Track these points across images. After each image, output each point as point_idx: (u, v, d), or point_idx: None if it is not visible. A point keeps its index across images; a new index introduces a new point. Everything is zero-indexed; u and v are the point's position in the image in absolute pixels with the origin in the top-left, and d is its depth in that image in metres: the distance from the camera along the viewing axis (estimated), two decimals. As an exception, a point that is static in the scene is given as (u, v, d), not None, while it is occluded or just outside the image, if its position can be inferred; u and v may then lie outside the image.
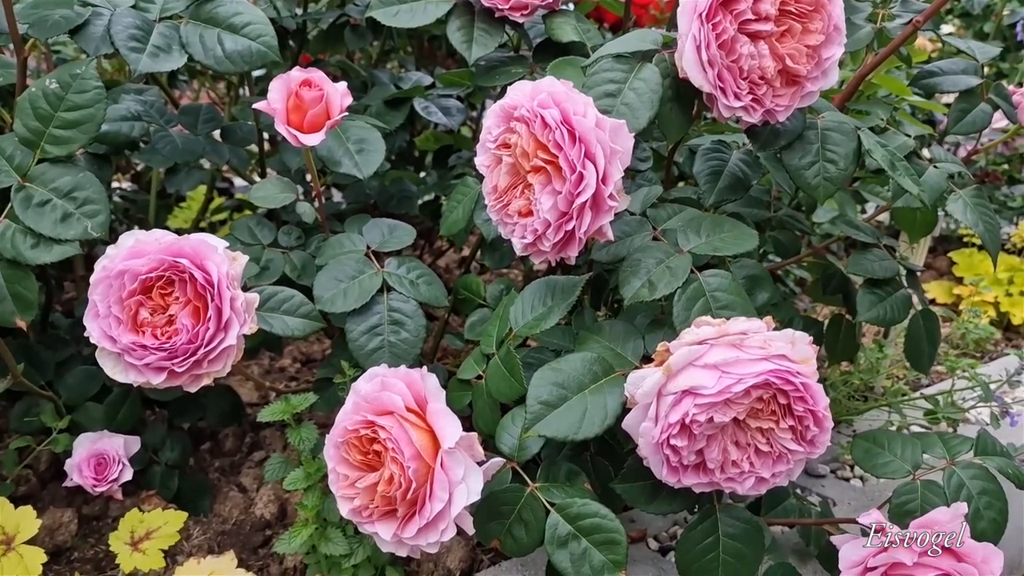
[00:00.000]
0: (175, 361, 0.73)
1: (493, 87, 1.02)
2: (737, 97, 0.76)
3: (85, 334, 0.77)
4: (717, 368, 0.67)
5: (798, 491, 1.21)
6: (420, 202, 1.86)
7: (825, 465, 1.32)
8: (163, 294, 0.74)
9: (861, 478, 1.30)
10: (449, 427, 0.71)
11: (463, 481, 0.70)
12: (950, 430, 1.28)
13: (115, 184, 2.01)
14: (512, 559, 1.07)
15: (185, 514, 0.97)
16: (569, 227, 0.72)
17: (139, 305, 0.74)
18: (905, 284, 1.04)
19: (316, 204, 0.99)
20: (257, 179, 1.38)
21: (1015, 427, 1.12)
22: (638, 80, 0.77)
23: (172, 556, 1.11)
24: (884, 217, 1.99)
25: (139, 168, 2.01)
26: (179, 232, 0.82)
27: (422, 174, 1.71)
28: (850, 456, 1.32)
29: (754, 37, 0.75)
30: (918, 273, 1.08)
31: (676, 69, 0.78)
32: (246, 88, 1.58)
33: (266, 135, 1.42)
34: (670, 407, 0.68)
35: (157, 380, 0.73)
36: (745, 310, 0.76)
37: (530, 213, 0.75)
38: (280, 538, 0.92)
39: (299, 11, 1.34)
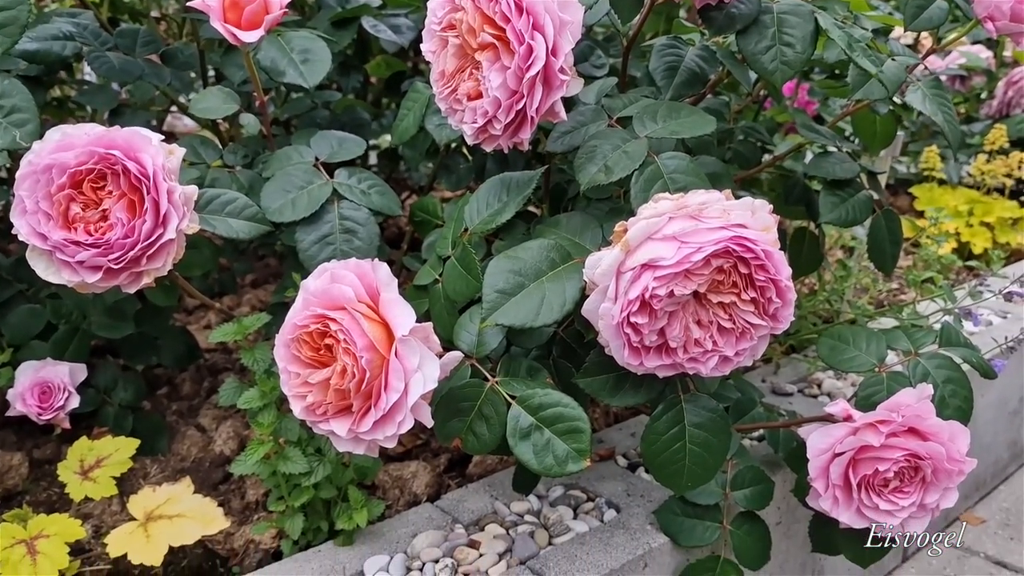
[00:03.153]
0: (111, 257, 0.69)
1: None
2: (689, -29, 0.73)
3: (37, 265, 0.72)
4: (676, 239, 0.65)
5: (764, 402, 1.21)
6: (378, 152, 1.82)
7: (792, 384, 1.32)
8: (95, 188, 0.70)
9: (829, 395, 1.30)
10: (402, 315, 0.68)
11: (419, 370, 0.68)
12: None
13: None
14: (479, 480, 1.05)
15: (137, 441, 0.94)
16: (520, 105, 0.70)
17: (69, 200, 0.70)
18: (866, 185, 1.03)
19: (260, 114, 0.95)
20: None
21: (978, 326, 1.11)
22: (587, -43, 0.75)
23: (128, 495, 1.07)
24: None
25: (88, 117, 1.95)
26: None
27: (381, 120, 1.67)
28: (817, 375, 1.33)
29: (705, -93, 0.73)
30: (879, 175, 1.07)
31: (627, -54, 0.76)
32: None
33: (211, 70, 1.37)
34: (629, 283, 0.66)
35: (92, 279, 0.70)
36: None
37: (479, 95, 0.72)
38: (237, 459, 0.89)
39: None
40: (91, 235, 0.69)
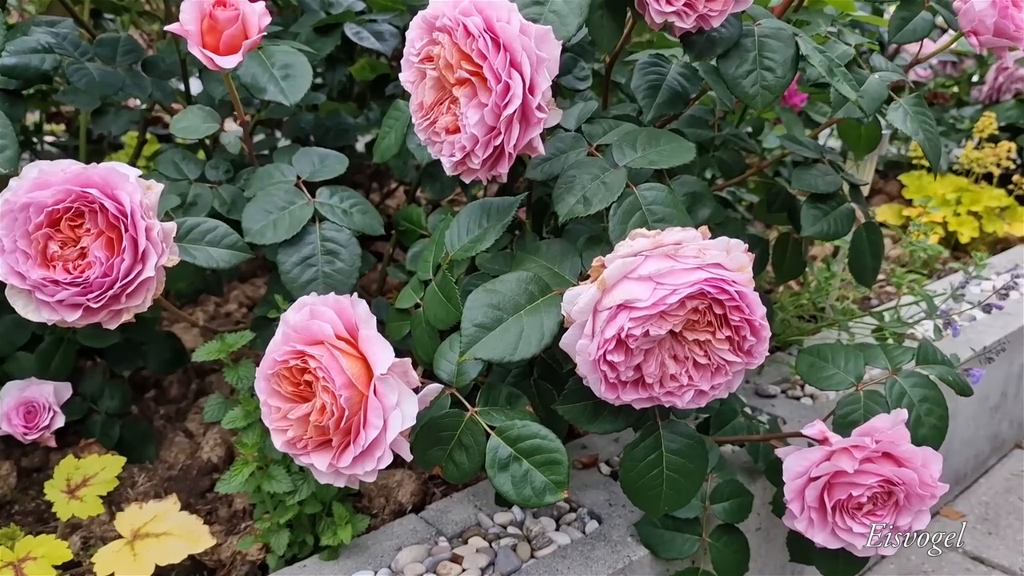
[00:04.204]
0: (90, 296, 0.69)
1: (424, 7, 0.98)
2: (669, 2, 0.73)
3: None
4: (651, 279, 0.65)
5: (748, 410, 1.22)
6: (366, 141, 1.82)
7: (775, 386, 1.33)
8: (73, 226, 0.70)
9: (812, 396, 1.31)
10: (381, 353, 0.69)
11: (397, 407, 0.68)
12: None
13: (49, 136, 1.94)
14: (463, 489, 1.07)
15: (123, 459, 0.95)
16: (498, 142, 0.70)
17: (48, 239, 0.70)
18: (849, 198, 1.03)
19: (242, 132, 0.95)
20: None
21: (957, 337, 1.13)
22: (566, -14, 0.74)
23: (116, 504, 1.08)
24: (837, 144, 1.98)
25: (71, 114, 1.94)
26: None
27: (366, 111, 1.66)
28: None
29: (684, -63, 0.72)
30: (862, 187, 1.08)
31: (606, -26, 0.75)
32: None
33: (196, 70, 1.36)
34: (605, 322, 0.67)
35: (72, 317, 0.70)
36: (682, 223, 0.74)
37: (457, 129, 0.72)
38: (222, 478, 0.90)
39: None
40: (70, 273, 0.69)
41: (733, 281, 0.65)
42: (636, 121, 0.92)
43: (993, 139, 2.14)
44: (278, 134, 1.55)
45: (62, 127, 2.04)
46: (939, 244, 2.04)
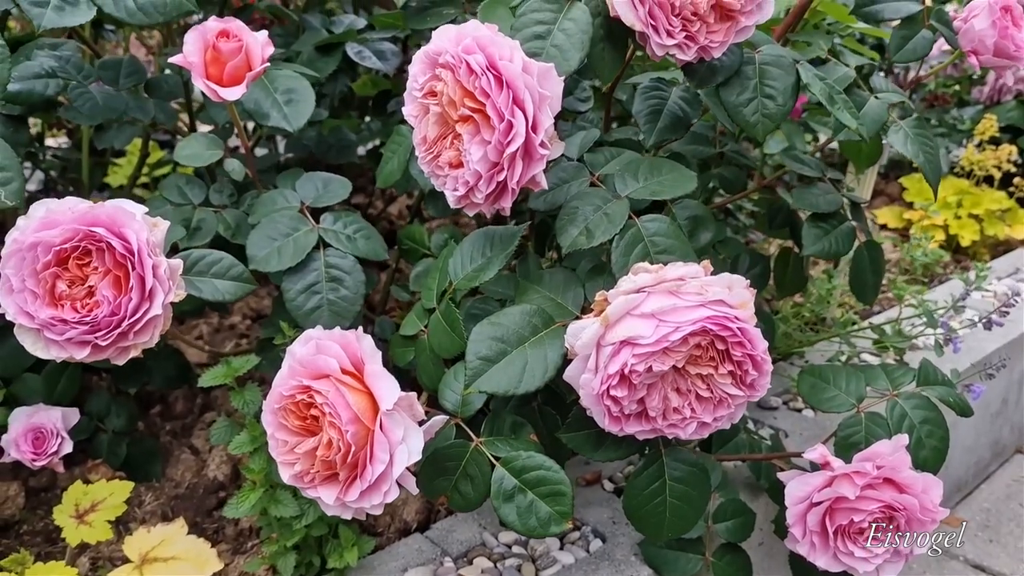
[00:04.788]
0: (98, 334, 0.70)
1: (427, 30, 0.98)
2: (670, 35, 0.73)
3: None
4: (654, 317, 0.66)
5: (750, 424, 1.23)
6: (366, 149, 1.82)
7: (777, 397, 1.34)
8: (80, 265, 0.71)
9: (813, 408, 1.31)
10: (387, 388, 0.69)
11: (403, 442, 0.69)
12: (898, 358, 1.30)
13: (50, 142, 1.94)
14: (468, 508, 1.07)
15: (131, 484, 0.95)
16: (501, 178, 0.70)
17: (55, 277, 0.70)
18: (849, 216, 1.04)
19: (245, 158, 0.95)
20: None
21: (958, 353, 1.13)
22: (568, 21, 0.74)
23: (124, 524, 1.09)
24: (836, 145, 1.98)
25: (74, 124, 1.94)
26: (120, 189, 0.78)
27: (367, 118, 1.66)
28: (800, 388, 1.34)
29: (685, -29, 0.72)
30: (863, 205, 1.08)
31: (607, 7, 0.75)
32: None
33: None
34: (609, 358, 0.67)
35: (81, 355, 0.71)
36: (684, 254, 0.74)
37: (461, 164, 0.72)
38: (229, 502, 0.91)
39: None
40: (78, 312, 0.70)
41: (736, 318, 0.66)
42: (638, 145, 0.93)
43: (994, 141, 2.14)
44: (280, 147, 1.56)
45: (63, 132, 2.04)
46: (940, 247, 2.04)
